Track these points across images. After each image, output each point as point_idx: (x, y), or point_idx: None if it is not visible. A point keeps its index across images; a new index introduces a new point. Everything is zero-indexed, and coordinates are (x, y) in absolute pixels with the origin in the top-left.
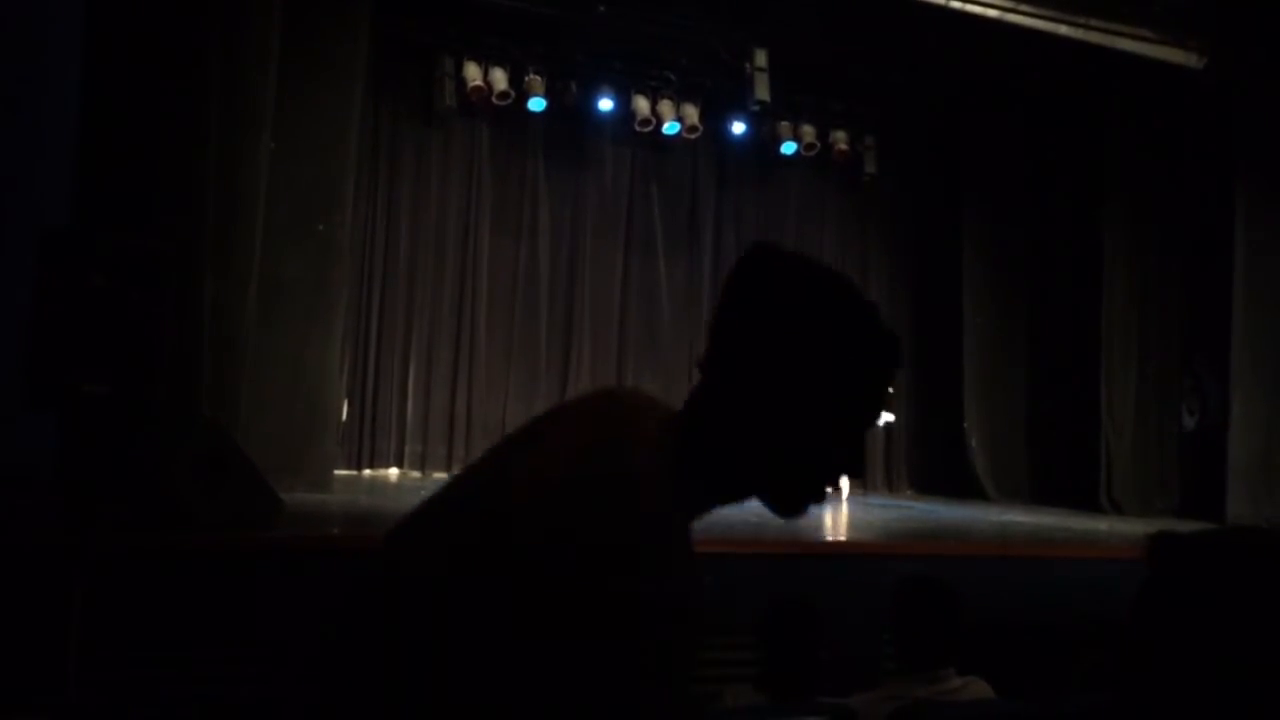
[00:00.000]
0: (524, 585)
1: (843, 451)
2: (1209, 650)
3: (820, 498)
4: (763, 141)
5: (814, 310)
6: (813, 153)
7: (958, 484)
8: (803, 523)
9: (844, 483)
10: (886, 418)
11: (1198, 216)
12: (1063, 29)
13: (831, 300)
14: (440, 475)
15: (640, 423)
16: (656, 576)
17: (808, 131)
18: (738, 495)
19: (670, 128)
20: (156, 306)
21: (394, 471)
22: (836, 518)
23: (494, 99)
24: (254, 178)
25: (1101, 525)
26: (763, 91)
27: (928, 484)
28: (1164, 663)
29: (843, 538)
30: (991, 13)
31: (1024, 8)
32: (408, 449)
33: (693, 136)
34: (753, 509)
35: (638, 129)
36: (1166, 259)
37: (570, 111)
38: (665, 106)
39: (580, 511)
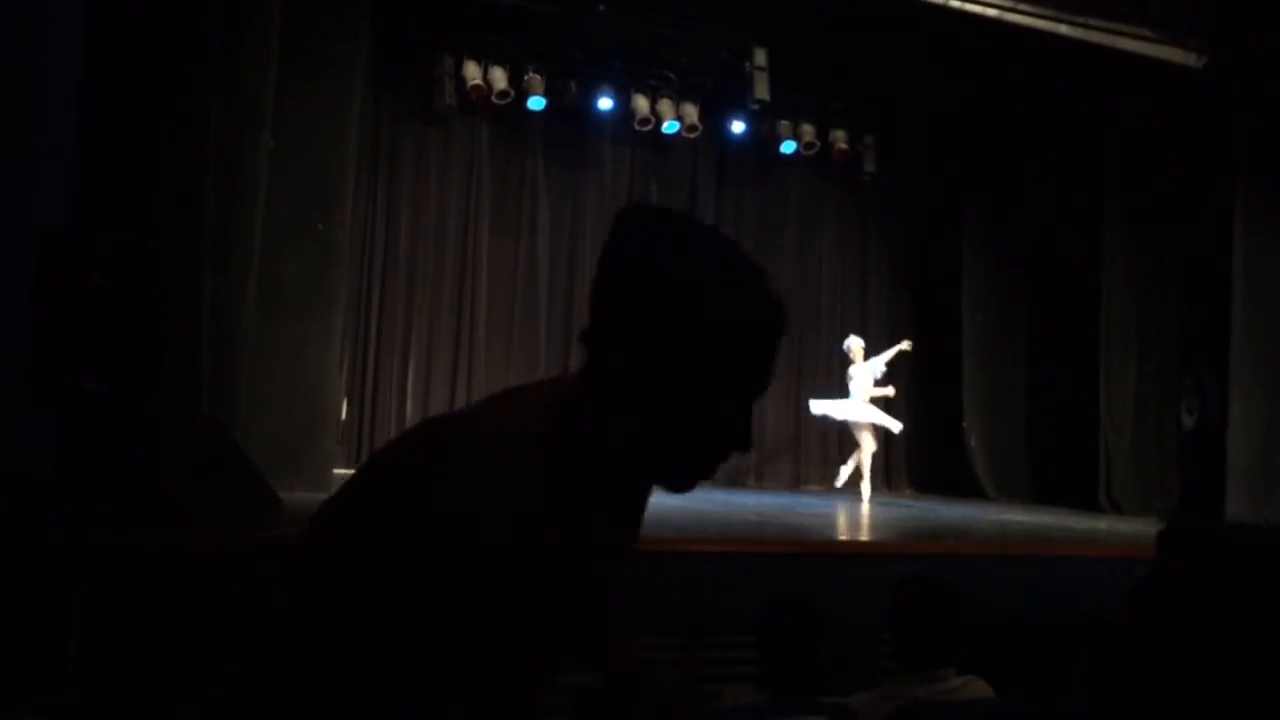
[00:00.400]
0: (393, 536)
1: (729, 425)
2: (1206, 645)
3: (708, 473)
4: (762, 141)
5: (692, 276)
6: (812, 152)
7: (957, 483)
8: (803, 521)
9: (865, 486)
10: (894, 427)
11: (1197, 216)
12: (1062, 28)
13: (710, 265)
14: None
15: (540, 396)
16: (493, 539)
17: (807, 130)
18: (626, 469)
19: (670, 127)
20: (156, 306)
21: None
22: (843, 517)
23: (494, 98)
24: (254, 176)
25: (1101, 525)
26: (762, 91)
27: (927, 483)
28: (1161, 655)
29: (842, 537)
30: (991, 12)
31: (1023, 7)
32: None
33: (692, 136)
34: (751, 507)
35: (637, 128)
36: (1166, 258)
37: (570, 110)
38: (665, 105)
39: (444, 470)
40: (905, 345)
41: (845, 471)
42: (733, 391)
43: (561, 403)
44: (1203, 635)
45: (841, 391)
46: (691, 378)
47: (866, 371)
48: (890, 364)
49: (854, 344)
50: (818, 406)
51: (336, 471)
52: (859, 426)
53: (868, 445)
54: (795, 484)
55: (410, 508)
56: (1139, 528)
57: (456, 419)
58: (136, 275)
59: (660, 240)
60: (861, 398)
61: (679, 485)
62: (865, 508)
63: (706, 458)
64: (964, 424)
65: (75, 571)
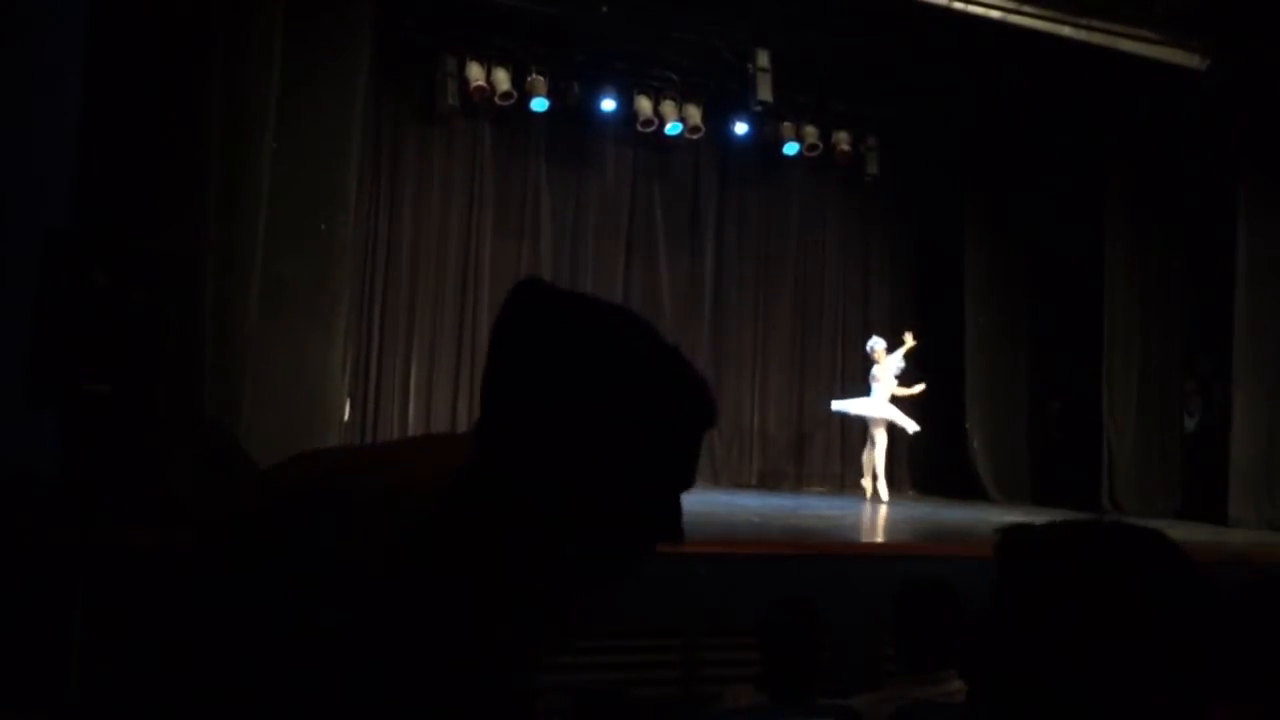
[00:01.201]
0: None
1: (649, 519)
2: (1052, 644)
3: (631, 567)
4: (765, 142)
5: (598, 366)
6: (815, 153)
7: (959, 485)
8: (805, 522)
9: (882, 486)
10: (910, 427)
11: (1200, 217)
12: (1065, 30)
13: (618, 352)
14: None
15: (429, 469)
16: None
17: (810, 132)
18: (530, 554)
19: (672, 128)
20: (158, 306)
21: None
22: (845, 518)
23: (496, 99)
24: (256, 177)
25: None
26: (765, 92)
27: (929, 484)
28: (1012, 657)
29: (844, 538)
30: (994, 14)
31: (1026, 9)
32: None
33: (695, 137)
34: (753, 508)
35: (640, 129)
36: (1169, 260)
37: (573, 112)
38: (668, 107)
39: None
40: (909, 339)
41: (868, 483)
42: (651, 486)
43: (455, 485)
44: (1048, 631)
45: (853, 391)
46: (598, 473)
47: (888, 371)
48: (908, 355)
49: (877, 344)
50: (839, 405)
51: None
52: (876, 423)
53: (881, 442)
54: (797, 485)
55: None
56: None
57: (344, 468)
58: (139, 276)
59: (562, 323)
60: (882, 396)
61: (600, 575)
62: (868, 508)
63: (627, 551)
64: (966, 425)
65: (76, 571)
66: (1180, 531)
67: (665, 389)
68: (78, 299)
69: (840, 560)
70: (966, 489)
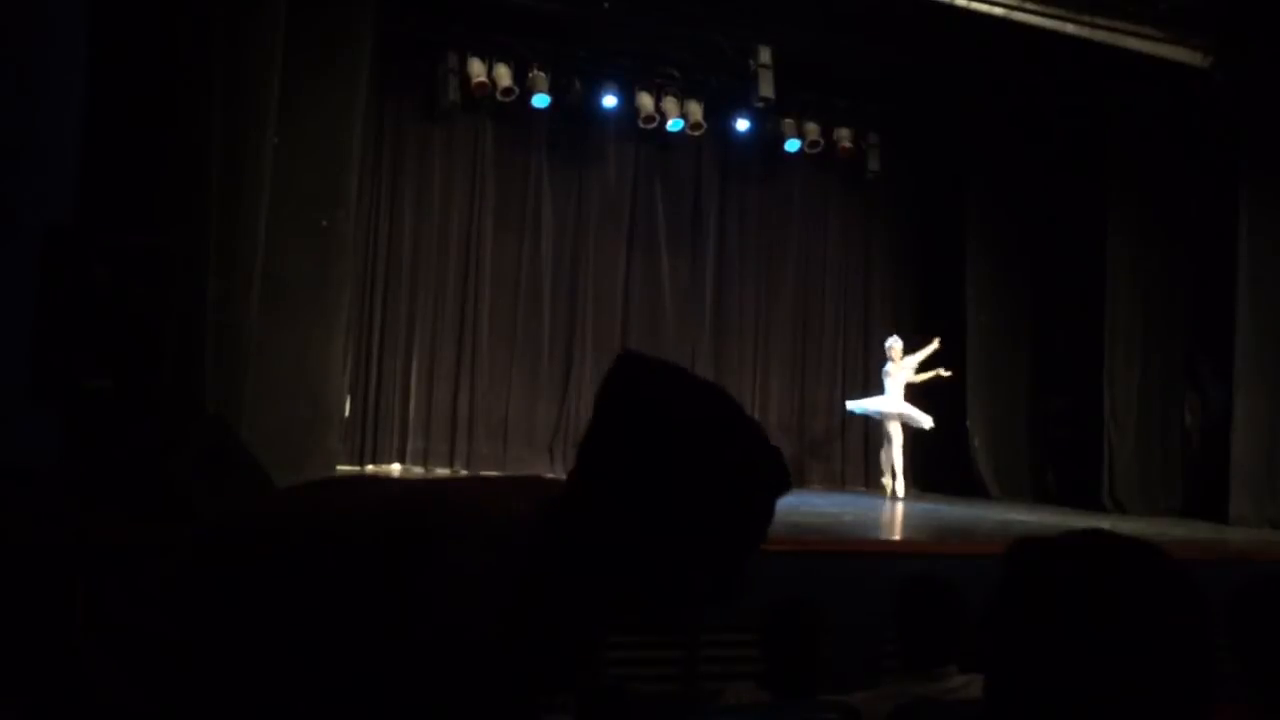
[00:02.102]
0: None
1: (709, 576)
2: (1054, 654)
3: (685, 614)
4: (766, 139)
5: (687, 433)
6: (816, 150)
7: (960, 482)
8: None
9: (900, 484)
10: (925, 423)
11: (1203, 216)
12: (1069, 27)
13: (705, 424)
14: (443, 471)
15: (515, 499)
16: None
17: (811, 129)
18: (600, 602)
19: (674, 125)
20: (160, 302)
21: (396, 468)
22: (846, 516)
23: (498, 95)
24: (257, 173)
25: (1104, 525)
26: (767, 89)
27: (930, 482)
28: (1015, 665)
29: (845, 536)
30: (998, 10)
31: (1030, 5)
32: (410, 445)
33: (696, 134)
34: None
35: (641, 126)
36: (1171, 258)
37: (574, 108)
38: (669, 103)
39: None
40: (935, 343)
41: (888, 481)
42: (718, 547)
43: (543, 513)
44: (1051, 642)
45: (852, 386)
46: (677, 532)
47: (904, 370)
48: (925, 362)
49: (894, 344)
50: (854, 405)
51: (339, 468)
52: (891, 420)
53: (897, 438)
54: (799, 482)
55: (378, 593)
56: (1142, 528)
57: (414, 496)
58: (140, 272)
59: (660, 394)
60: (897, 395)
61: (658, 621)
62: (870, 505)
63: (685, 600)
64: (967, 423)
65: (77, 567)
66: (1181, 530)
67: (743, 465)
68: (80, 296)
69: (841, 558)
70: (967, 487)
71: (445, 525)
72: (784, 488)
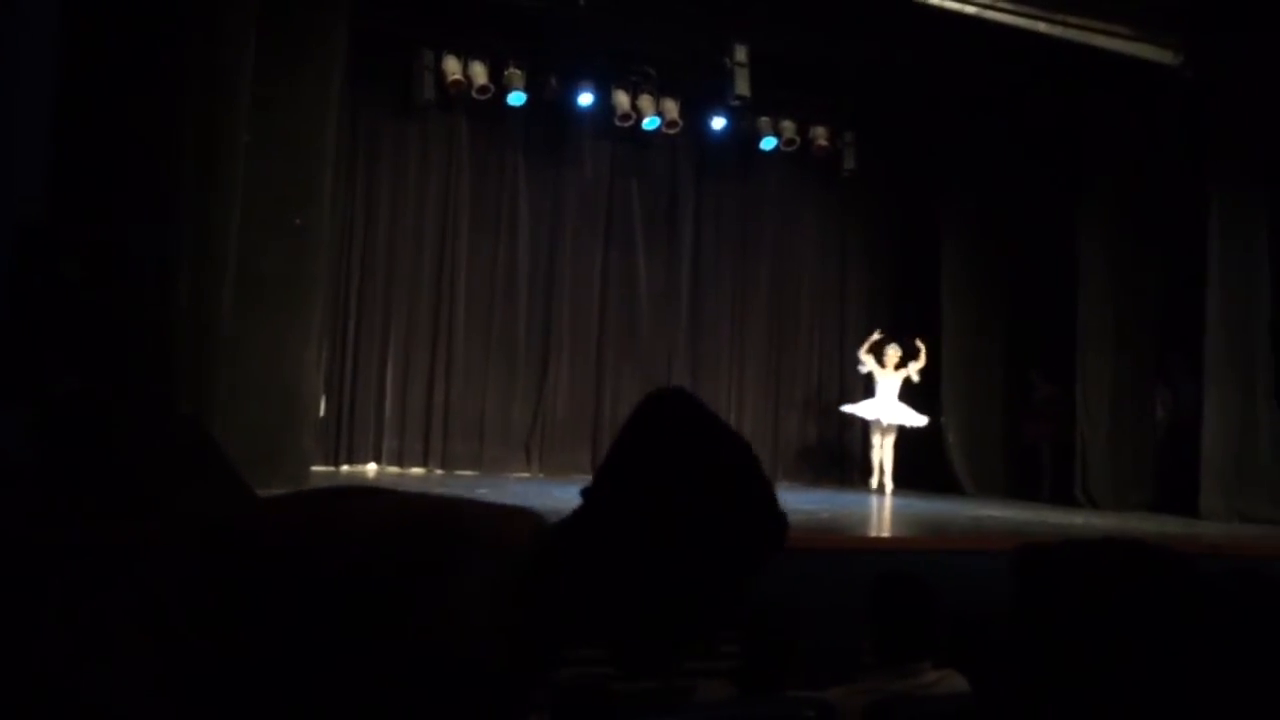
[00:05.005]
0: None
1: (695, 619)
2: (1069, 656)
3: (669, 665)
4: (742, 137)
5: (704, 474)
6: (792, 148)
7: (935, 478)
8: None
9: (888, 481)
10: (918, 421)
11: (1174, 213)
12: (1041, 26)
13: (724, 469)
14: (418, 470)
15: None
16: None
17: (787, 127)
18: (583, 632)
19: (650, 123)
20: (132, 301)
21: (372, 467)
22: (821, 513)
23: (474, 93)
24: (231, 171)
25: (1077, 519)
26: (743, 87)
27: (905, 479)
28: (1032, 666)
29: (820, 532)
30: (970, 9)
31: (1002, 4)
32: (385, 444)
33: (672, 132)
34: None
35: (618, 124)
36: (1142, 255)
37: (550, 106)
38: (645, 101)
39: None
40: (922, 355)
41: (876, 480)
42: (709, 590)
43: (550, 531)
44: (1066, 644)
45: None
46: (677, 570)
47: (893, 377)
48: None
49: (892, 351)
50: (849, 409)
51: (314, 468)
52: (877, 423)
53: (881, 440)
54: (773, 479)
55: (389, 608)
56: (1115, 522)
57: (428, 509)
58: (112, 270)
59: (686, 432)
60: (890, 397)
61: (636, 666)
62: (846, 502)
63: (671, 644)
64: (942, 420)
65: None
66: (1153, 524)
67: (747, 511)
68: (50, 295)
69: (816, 554)
70: (942, 483)
71: (456, 555)
72: (777, 547)
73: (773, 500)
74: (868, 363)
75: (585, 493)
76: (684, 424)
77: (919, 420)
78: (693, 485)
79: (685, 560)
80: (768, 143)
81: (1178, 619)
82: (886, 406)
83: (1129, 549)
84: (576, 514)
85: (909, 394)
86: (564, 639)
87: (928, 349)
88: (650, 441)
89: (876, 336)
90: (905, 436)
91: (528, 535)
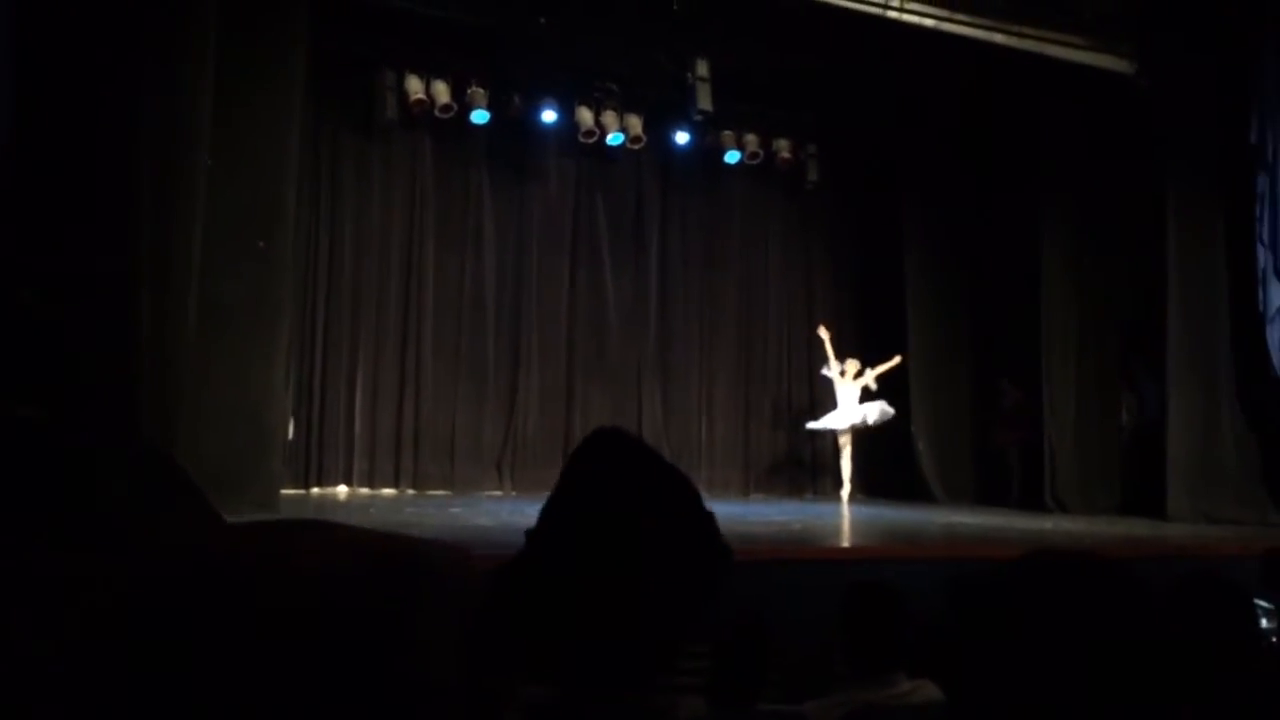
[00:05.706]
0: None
1: (647, 652)
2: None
3: (624, 693)
4: (706, 150)
5: (645, 508)
6: (756, 161)
7: (905, 486)
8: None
9: (847, 484)
10: (888, 413)
11: (1133, 219)
12: (997, 37)
13: (664, 503)
14: (389, 491)
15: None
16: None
17: (751, 140)
18: (536, 668)
19: (614, 138)
20: (91, 327)
21: (342, 489)
22: (792, 524)
23: (437, 112)
24: (191, 194)
25: (1047, 524)
26: (705, 101)
27: (875, 487)
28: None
29: (792, 544)
30: (928, 22)
31: (960, 17)
32: (356, 466)
33: (636, 147)
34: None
35: (582, 140)
36: (1102, 261)
37: (514, 124)
38: (609, 117)
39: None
40: (896, 360)
41: (847, 489)
42: (656, 622)
43: (497, 571)
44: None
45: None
46: (622, 604)
47: (853, 387)
48: (882, 376)
49: (849, 366)
50: (814, 425)
51: (283, 492)
52: (843, 431)
53: (846, 448)
54: (745, 491)
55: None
56: (1084, 527)
57: (384, 546)
58: (70, 296)
59: (626, 468)
60: (851, 405)
61: (589, 690)
62: (815, 513)
63: (627, 668)
64: (911, 428)
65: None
66: (1121, 527)
67: (689, 543)
68: (5, 321)
69: (788, 565)
70: (912, 490)
71: (419, 593)
72: (723, 576)
73: (715, 531)
74: (831, 369)
75: (529, 533)
76: (623, 461)
77: (888, 412)
78: (633, 520)
79: (630, 592)
80: (731, 156)
81: (1117, 625)
82: (848, 413)
83: (1054, 563)
84: (520, 554)
85: (876, 400)
86: (517, 677)
87: (896, 359)
88: (590, 480)
89: (825, 340)
90: (876, 444)
91: (478, 574)
